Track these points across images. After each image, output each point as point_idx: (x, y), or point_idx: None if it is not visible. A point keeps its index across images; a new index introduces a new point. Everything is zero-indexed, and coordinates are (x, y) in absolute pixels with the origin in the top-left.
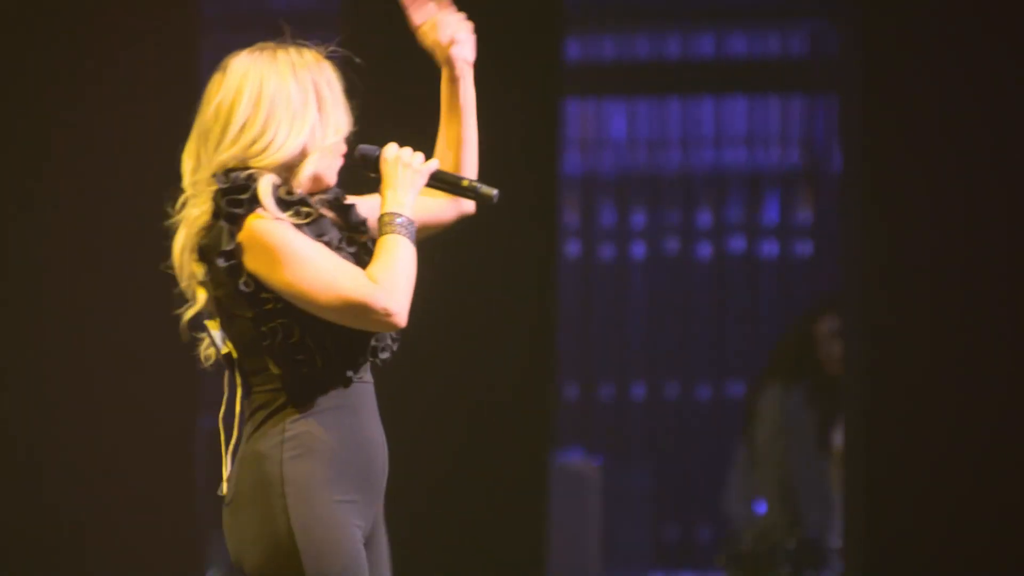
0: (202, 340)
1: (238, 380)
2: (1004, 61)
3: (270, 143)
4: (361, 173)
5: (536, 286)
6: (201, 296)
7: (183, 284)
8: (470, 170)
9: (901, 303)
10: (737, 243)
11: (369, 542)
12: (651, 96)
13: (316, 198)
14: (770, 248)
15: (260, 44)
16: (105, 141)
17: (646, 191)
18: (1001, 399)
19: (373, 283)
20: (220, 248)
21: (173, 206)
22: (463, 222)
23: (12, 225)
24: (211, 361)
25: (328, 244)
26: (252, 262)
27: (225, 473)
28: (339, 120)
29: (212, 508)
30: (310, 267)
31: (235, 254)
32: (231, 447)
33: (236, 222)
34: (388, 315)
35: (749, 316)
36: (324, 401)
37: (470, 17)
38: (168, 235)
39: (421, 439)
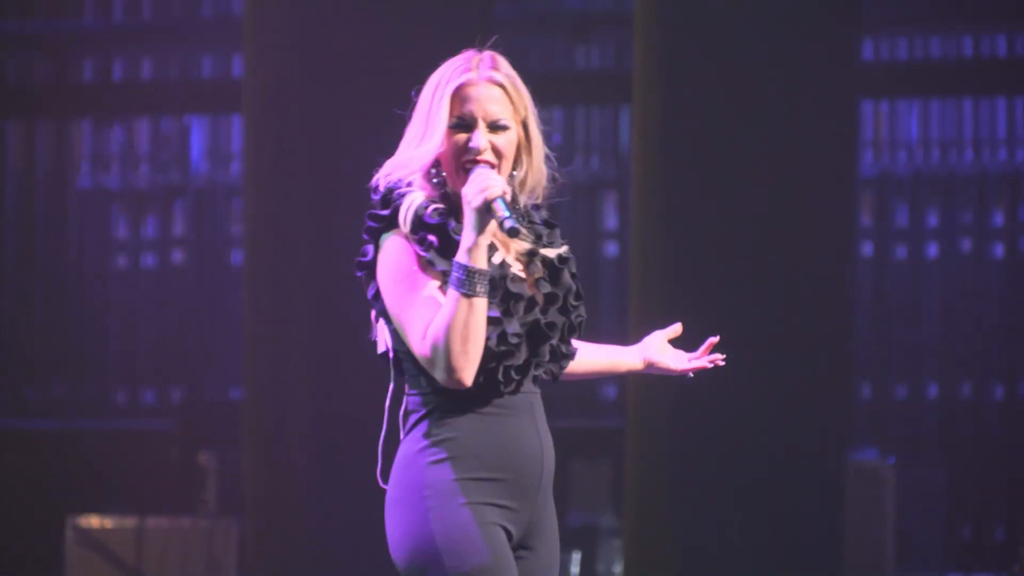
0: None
1: (396, 380)
2: None
3: (399, 150)
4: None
5: (832, 286)
6: None
7: None
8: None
9: None
10: None
11: (526, 541)
12: (945, 96)
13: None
14: None
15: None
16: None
17: (940, 191)
18: None
19: (427, 346)
20: (361, 260)
21: None
22: (758, 220)
23: (308, 222)
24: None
25: (445, 276)
26: (378, 278)
27: (380, 467)
28: (431, 140)
29: None
30: (400, 307)
31: (370, 267)
32: (380, 442)
33: (373, 237)
34: (440, 378)
35: None
36: (475, 408)
37: (766, 19)
38: None
39: (718, 440)
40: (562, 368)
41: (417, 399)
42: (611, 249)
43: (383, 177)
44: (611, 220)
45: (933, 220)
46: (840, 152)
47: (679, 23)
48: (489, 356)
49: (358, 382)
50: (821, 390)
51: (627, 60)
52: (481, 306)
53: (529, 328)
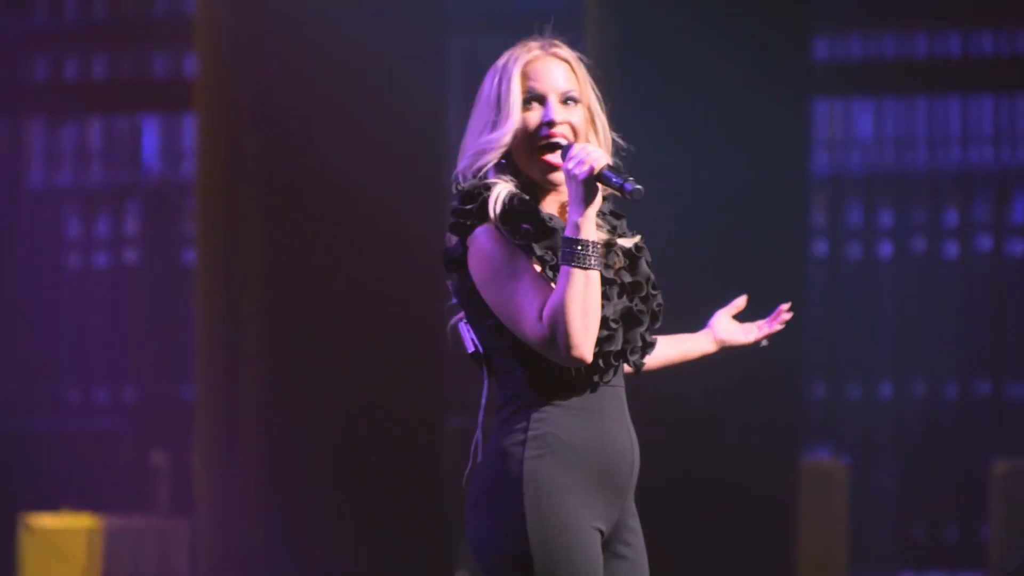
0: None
1: (486, 378)
2: None
3: (467, 142)
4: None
5: (784, 285)
6: None
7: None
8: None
9: None
10: (984, 242)
11: (613, 542)
12: (898, 95)
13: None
14: (1016, 247)
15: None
16: (353, 138)
17: (893, 190)
18: None
19: (544, 325)
20: (449, 257)
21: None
22: (710, 218)
23: (261, 221)
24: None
25: (547, 263)
26: (472, 274)
27: (471, 462)
28: (498, 130)
29: (459, 509)
30: (506, 296)
31: (461, 263)
32: (474, 441)
33: (462, 232)
34: (564, 356)
35: (996, 315)
36: (568, 402)
37: (719, 18)
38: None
39: (670, 439)
40: (644, 356)
41: (511, 394)
42: None
43: (463, 169)
44: None
45: (886, 219)
46: (793, 152)
47: (633, 22)
48: (601, 346)
49: (310, 381)
50: (774, 389)
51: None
52: (596, 279)
53: (623, 314)
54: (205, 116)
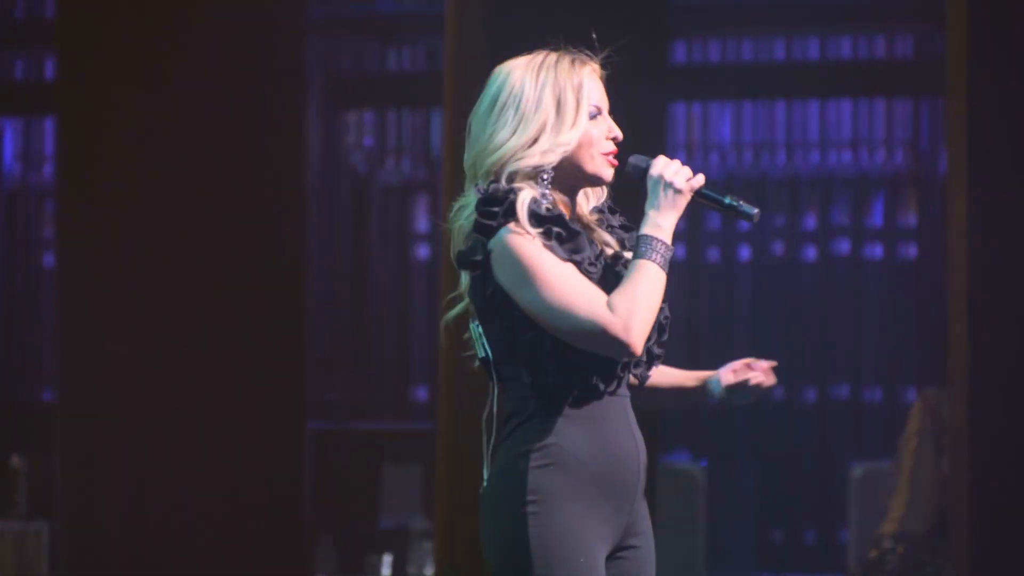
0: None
1: (495, 384)
2: None
3: (498, 144)
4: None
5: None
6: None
7: (462, 288)
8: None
9: (1006, 305)
10: (842, 246)
11: (621, 549)
12: (757, 99)
13: (589, 213)
14: (875, 251)
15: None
16: (210, 140)
17: (752, 194)
18: None
19: (610, 312)
20: (471, 258)
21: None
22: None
23: (121, 224)
24: (477, 363)
25: (579, 264)
26: (499, 275)
27: (485, 472)
28: (572, 132)
29: (319, 515)
30: (551, 288)
31: (484, 265)
32: (490, 447)
33: (488, 233)
34: (621, 345)
35: (854, 319)
36: (574, 412)
37: (576, 20)
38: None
39: None
40: (651, 368)
41: (518, 403)
42: (423, 251)
43: (518, 162)
44: (422, 223)
45: (745, 223)
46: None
47: (491, 25)
48: (596, 356)
49: (169, 383)
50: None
51: (438, 62)
52: (664, 281)
53: None
54: (64, 119)
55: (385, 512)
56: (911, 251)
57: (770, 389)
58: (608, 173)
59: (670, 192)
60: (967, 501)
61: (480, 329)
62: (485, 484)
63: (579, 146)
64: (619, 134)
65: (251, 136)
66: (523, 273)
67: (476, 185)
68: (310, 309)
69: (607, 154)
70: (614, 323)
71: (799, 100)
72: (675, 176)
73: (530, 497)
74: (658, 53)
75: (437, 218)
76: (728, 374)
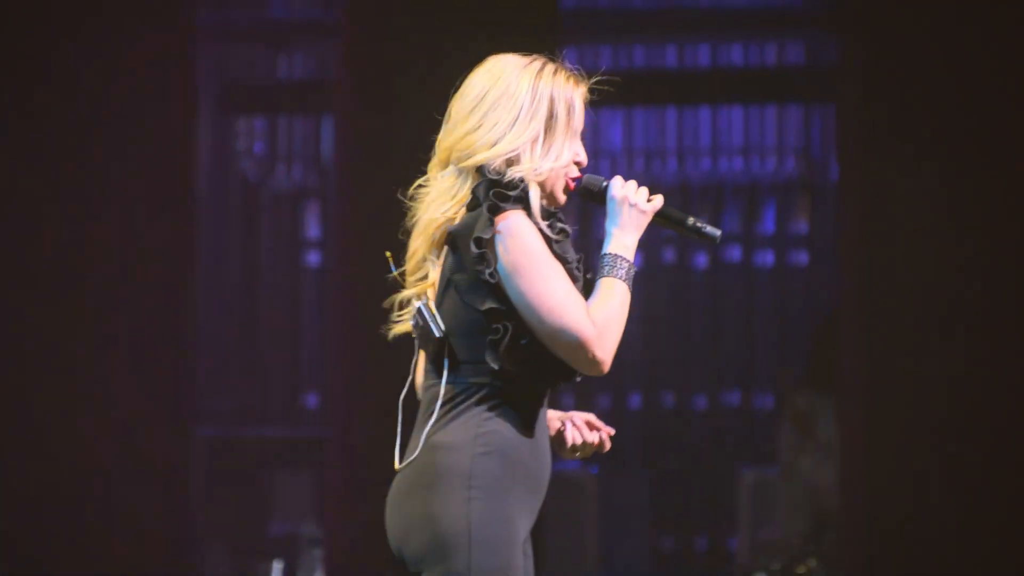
0: (399, 318)
1: (445, 363)
2: (1000, 70)
3: (484, 140)
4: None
5: None
6: (430, 278)
7: (409, 265)
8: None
9: (897, 312)
10: (733, 253)
11: (524, 544)
12: (648, 106)
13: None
14: (766, 258)
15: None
16: (100, 145)
17: None
18: (1001, 402)
19: (593, 324)
20: (475, 234)
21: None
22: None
23: (7, 227)
24: (395, 336)
25: (569, 269)
26: (502, 256)
27: (398, 451)
28: (561, 147)
29: (207, 518)
30: (547, 284)
31: (488, 243)
32: (425, 426)
33: (499, 213)
34: (594, 361)
35: (745, 326)
36: (523, 405)
37: (467, 28)
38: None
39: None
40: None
41: (469, 386)
42: (313, 258)
43: (513, 167)
44: (313, 229)
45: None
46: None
47: (381, 33)
48: (551, 353)
49: (62, 389)
50: None
51: (329, 69)
52: (629, 301)
53: None
54: None
55: (275, 518)
56: (802, 258)
57: (598, 449)
58: (563, 198)
59: (634, 212)
60: (861, 506)
61: (439, 306)
62: (407, 464)
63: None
64: (585, 159)
65: (142, 142)
66: (524, 262)
67: (479, 169)
68: (200, 316)
69: (569, 175)
70: (594, 339)
71: (690, 107)
72: (638, 198)
73: (475, 481)
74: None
75: (328, 224)
76: (556, 421)
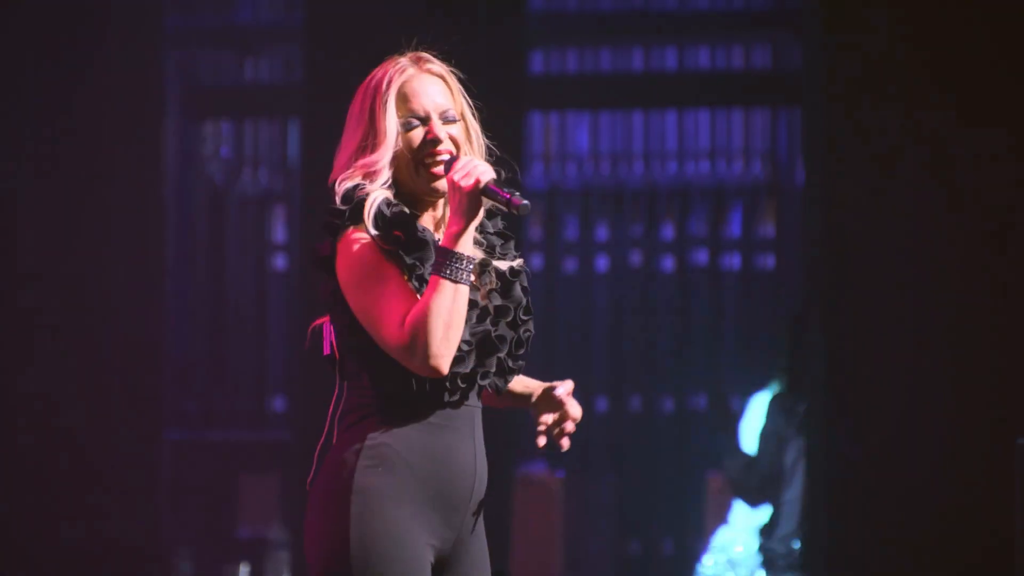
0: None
1: (338, 380)
2: (966, 73)
3: (340, 159)
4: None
5: None
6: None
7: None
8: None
9: (862, 316)
10: (700, 256)
11: (452, 561)
12: (615, 109)
13: (475, 226)
14: (733, 261)
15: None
16: (68, 148)
17: (609, 204)
18: (968, 404)
19: (405, 331)
20: (318, 255)
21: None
22: None
23: None
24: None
25: (411, 269)
26: (339, 274)
27: (314, 466)
28: (378, 152)
29: (174, 522)
30: (366, 297)
31: (329, 264)
32: (321, 446)
33: (334, 233)
34: (421, 363)
35: (712, 329)
36: (412, 417)
37: (431, 27)
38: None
39: None
40: (507, 382)
41: (357, 402)
42: (280, 262)
43: (341, 184)
44: (280, 233)
45: (603, 233)
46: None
47: (345, 37)
48: (456, 365)
49: (29, 392)
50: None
51: (295, 73)
52: (464, 293)
53: (480, 339)
54: None
55: (242, 522)
56: (768, 261)
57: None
58: (435, 185)
59: (458, 195)
60: (825, 504)
61: (329, 324)
62: (311, 480)
63: (398, 163)
64: (438, 136)
65: (109, 146)
66: (351, 279)
67: (333, 186)
68: (167, 319)
69: (429, 159)
70: (403, 343)
71: (656, 110)
72: (461, 179)
73: (355, 497)
74: (515, 63)
75: (294, 228)
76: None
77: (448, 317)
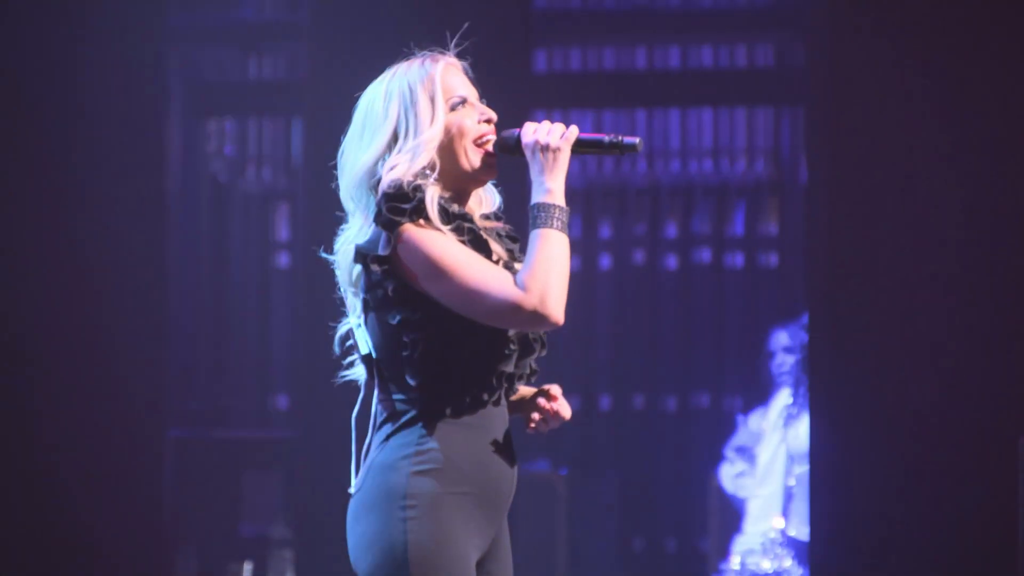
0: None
1: (376, 383)
2: (969, 72)
3: (365, 164)
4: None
5: None
6: (355, 299)
7: (345, 287)
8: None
9: (866, 314)
10: (703, 254)
11: (487, 560)
12: (618, 108)
13: (484, 221)
14: (736, 259)
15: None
16: (72, 146)
17: (613, 202)
18: (968, 402)
19: (521, 287)
20: (375, 252)
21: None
22: None
23: None
24: (355, 368)
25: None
26: (407, 269)
27: (354, 473)
28: (429, 130)
29: (177, 519)
30: (463, 274)
31: (389, 260)
32: (364, 448)
33: (394, 229)
34: (539, 317)
35: (715, 327)
36: (456, 418)
37: (437, 28)
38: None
39: None
40: (530, 383)
41: (399, 405)
42: (283, 260)
43: (389, 172)
44: (283, 231)
45: (606, 231)
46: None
47: (349, 34)
48: (483, 362)
49: (33, 390)
50: None
51: (300, 71)
52: (568, 244)
53: (521, 340)
54: None
55: (246, 520)
56: (772, 260)
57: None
58: (487, 166)
59: (548, 154)
60: (825, 504)
61: (365, 326)
62: (356, 487)
63: (450, 140)
64: (492, 115)
65: (113, 144)
66: (435, 266)
67: (376, 182)
68: (171, 317)
69: (482, 137)
70: (527, 299)
71: (660, 108)
72: (548, 136)
73: (409, 502)
74: (520, 62)
75: (298, 226)
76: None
77: (564, 267)
